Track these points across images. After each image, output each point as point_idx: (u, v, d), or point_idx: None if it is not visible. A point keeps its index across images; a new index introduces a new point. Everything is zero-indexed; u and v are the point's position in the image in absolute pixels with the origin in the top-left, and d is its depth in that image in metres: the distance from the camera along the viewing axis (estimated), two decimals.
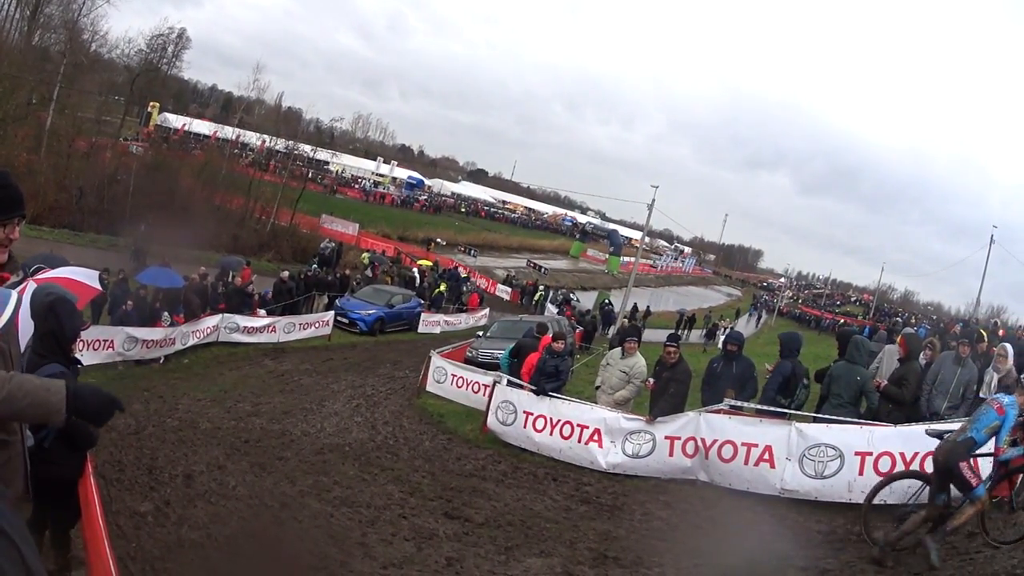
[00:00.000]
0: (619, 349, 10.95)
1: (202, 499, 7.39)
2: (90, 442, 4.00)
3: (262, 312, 19.46)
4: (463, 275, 37.40)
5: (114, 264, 18.25)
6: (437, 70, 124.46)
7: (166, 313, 15.94)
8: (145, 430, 9.88)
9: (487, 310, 30.46)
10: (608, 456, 9.66)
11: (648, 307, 40.94)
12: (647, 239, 46.75)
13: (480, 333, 20.83)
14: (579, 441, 9.99)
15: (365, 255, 35.11)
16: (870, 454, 7.67)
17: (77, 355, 4.16)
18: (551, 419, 10.41)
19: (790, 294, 72.77)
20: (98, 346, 13.55)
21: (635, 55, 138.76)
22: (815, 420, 8.66)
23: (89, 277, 5.94)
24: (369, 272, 30.22)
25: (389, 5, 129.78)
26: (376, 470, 9.16)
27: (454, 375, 14.03)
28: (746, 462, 8.46)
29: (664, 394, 9.74)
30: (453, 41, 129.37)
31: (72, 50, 40.79)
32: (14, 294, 1.15)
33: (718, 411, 9.11)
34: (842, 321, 50.89)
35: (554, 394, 10.67)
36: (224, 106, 71.36)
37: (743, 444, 8.55)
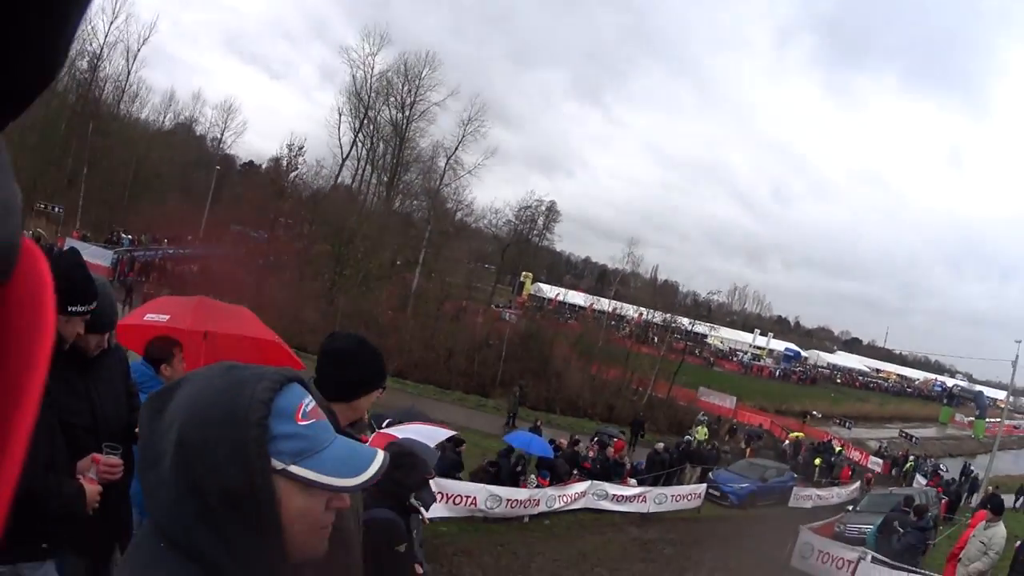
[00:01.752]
0: None
1: None
2: None
3: (633, 481, 19.52)
4: (837, 448, 36.40)
5: (481, 425, 18.78)
6: (820, 238, 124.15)
7: (533, 476, 16.17)
8: None
9: (858, 483, 29.40)
10: None
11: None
12: (1011, 398, 40.98)
13: (849, 507, 20.72)
14: None
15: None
16: None
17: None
18: None
19: None
20: (459, 500, 13.65)
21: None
22: None
23: (434, 436, 6.08)
24: (743, 444, 30.85)
25: (772, 172, 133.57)
26: None
27: (820, 551, 13.85)
28: None
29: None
30: (836, 205, 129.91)
31: (435, 217, 43.10)
32: (382, 452, 1.24)
33: None
34: None
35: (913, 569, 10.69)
36: (599, 278, 74.70)
37: None
